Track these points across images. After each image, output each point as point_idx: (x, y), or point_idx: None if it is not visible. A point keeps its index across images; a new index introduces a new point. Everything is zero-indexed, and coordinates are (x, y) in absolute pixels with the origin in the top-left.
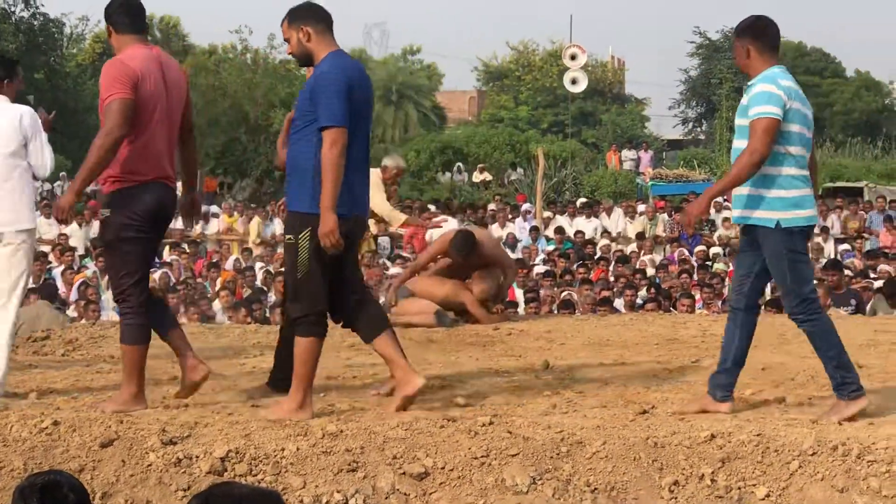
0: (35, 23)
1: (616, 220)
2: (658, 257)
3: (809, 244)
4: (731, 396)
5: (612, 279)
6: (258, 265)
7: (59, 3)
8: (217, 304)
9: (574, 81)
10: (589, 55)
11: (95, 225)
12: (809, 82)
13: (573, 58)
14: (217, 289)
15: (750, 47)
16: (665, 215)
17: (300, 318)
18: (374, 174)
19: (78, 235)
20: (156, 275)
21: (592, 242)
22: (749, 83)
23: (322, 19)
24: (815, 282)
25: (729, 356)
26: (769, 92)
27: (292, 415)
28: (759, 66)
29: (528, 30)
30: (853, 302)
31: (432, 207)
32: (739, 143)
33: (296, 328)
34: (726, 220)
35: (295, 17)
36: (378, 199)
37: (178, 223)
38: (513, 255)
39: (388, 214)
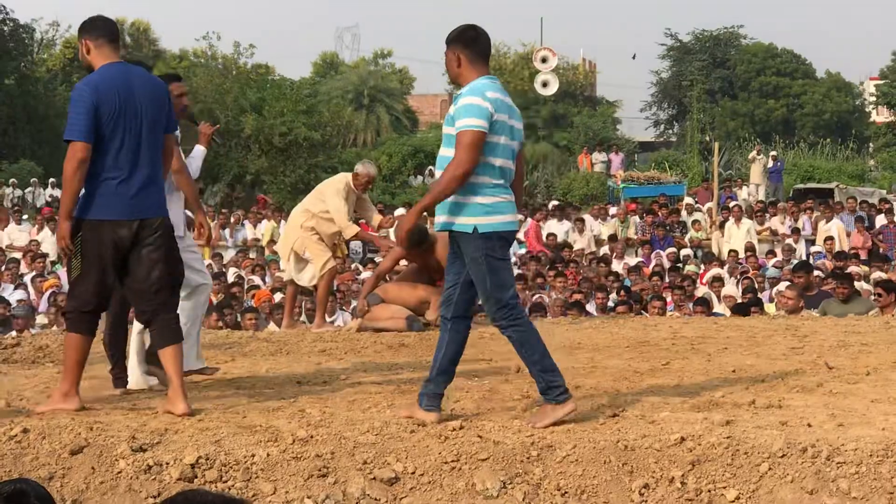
0: (5, 28)
1: (589, 226)
2: (631, 260)
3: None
4: (437, 407)
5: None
6: (231, 270)
7: (30, 9)
8: None
9: (545, 84)
10: (560, 58)
11: None
12: (780, 84)
13: (544, 60)
14: None
15: (461, 56)
16: (637, 217)
17: (68, 313)
18: (342, 180)
19: (49, 241)
20: None
21: (568, 245)
22: (458, 93)
23: (102, 33)
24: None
25: (435, 366)
26: (476, 105)
27: (59, 404)
28: (469, 75)
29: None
30: (856, 300)
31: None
32: (446, 152)
33: (66, 322)
34: (696, 222)
35: (80, 30)
36: (336, 205)
37: None
38: None
39: (341, 223)
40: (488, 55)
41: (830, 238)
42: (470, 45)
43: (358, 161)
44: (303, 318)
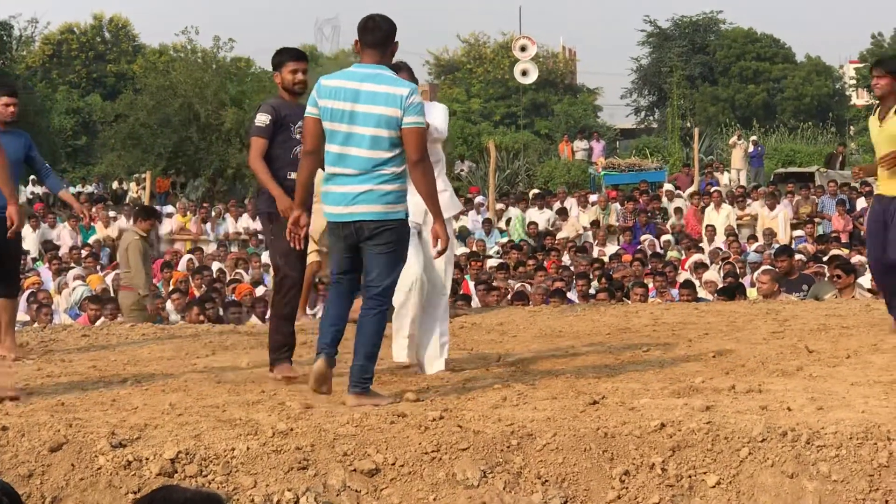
0: None
1: (570, 212)
2: (612, 247)
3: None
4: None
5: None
6: (214, 265)
7: (8, 6)
8: (170, 305)
9: (525, 73)
10: (539, 46)
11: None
12: (760, 68)
13: (523, 49)
14: (169, 290)
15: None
16: (618, 205)
17: None
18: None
19: (31, 238)
20: (109, 276)
21: (550, 234)
22: None
23: None
24: (766, 268)
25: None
26: (311, 93)
27: None
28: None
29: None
30: (805, 287)
31: None
32: None
33: None
34: (678, 209)
35: None
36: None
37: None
38: (464, 248)
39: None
40: (379, 44)
41: (811, 222)
42: (359, 34)
43: None
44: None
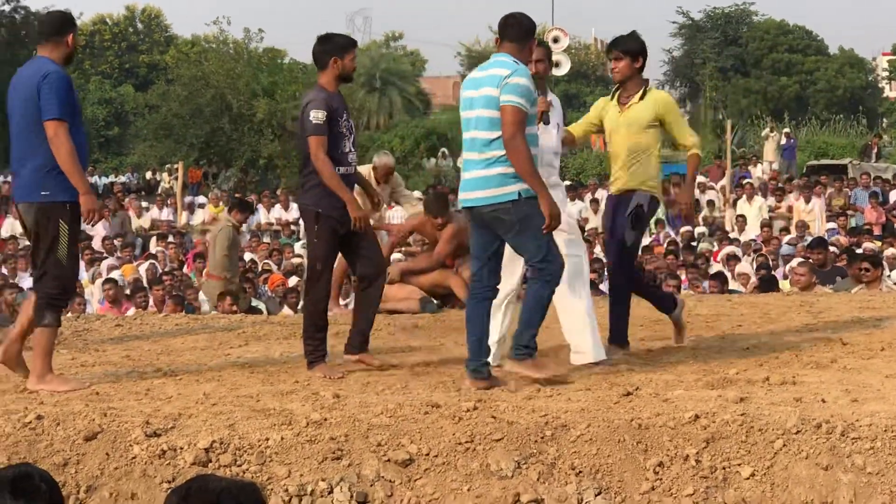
0: (17, 16)
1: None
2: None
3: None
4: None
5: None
6: (246, 255)
7: None
8: (203, 295)
9: (557, 64)
10: (571, 38)
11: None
12: (793, 60)
13: (556, 41)
14: (201, 280)
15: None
16: None
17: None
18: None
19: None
20: (143, 266)
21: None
22: None
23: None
24: (801, 260)
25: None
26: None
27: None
28: None
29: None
30: (838, 279)
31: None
32: None
33: None
34: (710, 202)
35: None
36: None
37: (163, 214)
38: None
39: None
40: (517, 39)
41: (843, 215)
42: (499, 30)
43: (371, 145)
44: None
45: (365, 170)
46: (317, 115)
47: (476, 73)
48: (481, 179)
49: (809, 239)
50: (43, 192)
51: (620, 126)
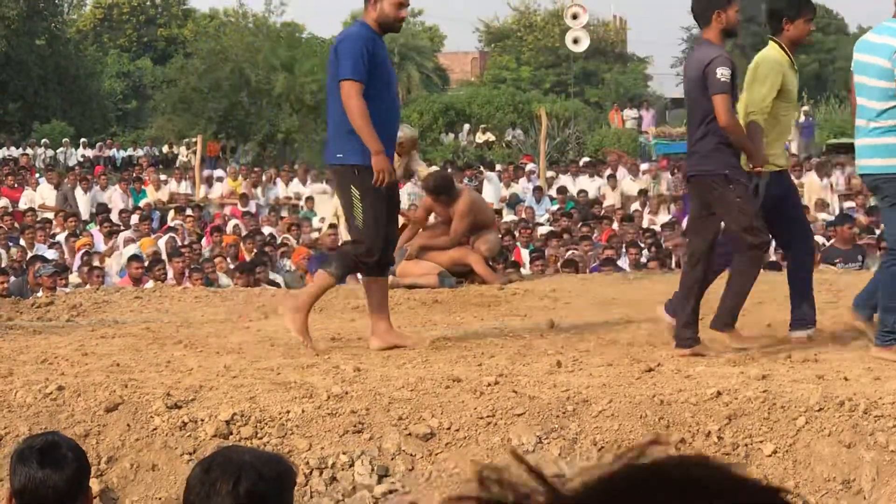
0: None
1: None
2: (663, 216)
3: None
4: None
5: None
6: (266, 229)
7: None
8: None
9: (576, 41)
10: (590, 14)
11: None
12: (812, 38)
13: (575, 17)
14: (215, 254)
15: None
16: (668, 174)
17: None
18: None
19: (83, 200)
20: (162, 240)
21: (598, 202)
22: None
23: None
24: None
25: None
26: None
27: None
28: None
29: None
30: (860, 258)
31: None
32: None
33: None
34: None
35: None
36: None
37: (181, 187)
38: (513, 216)
39: None
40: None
41: (862, 193)
42: None
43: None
44: None
45: None
46: (723, 73)
47: (870, 36)
48: (869, 148)
49: (823, 217)
50: (338, 155)
51: None
